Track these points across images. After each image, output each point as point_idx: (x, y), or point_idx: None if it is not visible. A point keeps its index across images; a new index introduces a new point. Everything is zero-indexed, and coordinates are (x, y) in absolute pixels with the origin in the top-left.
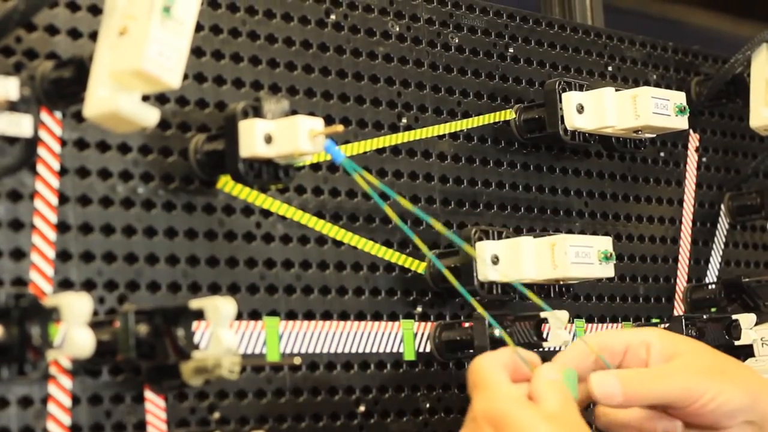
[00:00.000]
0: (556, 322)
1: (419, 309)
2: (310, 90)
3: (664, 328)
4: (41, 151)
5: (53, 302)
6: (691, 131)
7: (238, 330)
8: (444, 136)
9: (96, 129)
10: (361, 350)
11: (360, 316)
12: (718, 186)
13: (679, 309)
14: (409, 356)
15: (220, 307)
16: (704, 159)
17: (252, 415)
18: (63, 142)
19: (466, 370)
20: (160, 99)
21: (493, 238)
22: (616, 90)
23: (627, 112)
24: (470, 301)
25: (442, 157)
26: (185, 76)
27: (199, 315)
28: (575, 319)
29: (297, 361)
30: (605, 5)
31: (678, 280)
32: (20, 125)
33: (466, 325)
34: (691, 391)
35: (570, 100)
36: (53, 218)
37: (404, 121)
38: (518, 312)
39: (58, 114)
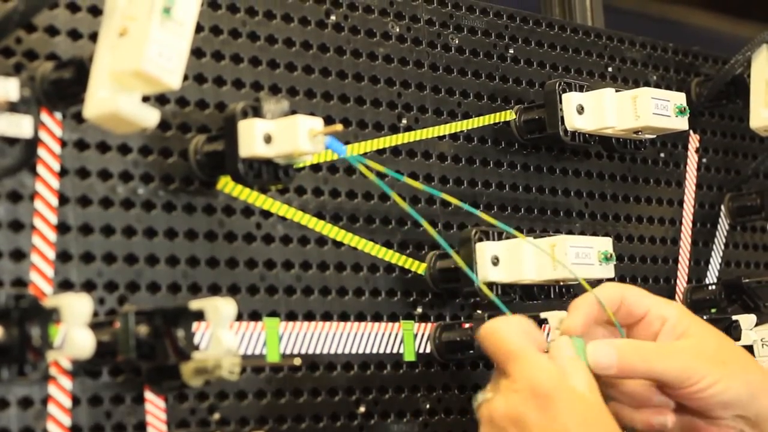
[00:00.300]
0: (556, 323)
1: (419, 310)
2: (311, 91)
3: None
4: (41, 151)
5: (53, 303)
6: (691, 132)
7: (238, 331)
8: (444, 136)
9: (96, 130)
10: (361, 351)
11: (360, 317)
12: (718, 187)
13: None
14: (409, 357)
15: (220, 308)
16: (704, 160)
17: (252, 416)
18: (63, 143)
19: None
20: (160, 100)
21: (493, 239)
22: (616, 91)
23: (627, 113)
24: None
25: (443, 158)
26: (185, 77)
27: (199, 316)
28: None
29: (297, 361)
30: (605, 6)
31: (678, 281)
32: (20, 126)
33: (466, 325)
34: (688, 374)
35: (570, 100)
36: (53, 219)
37: (404, 121)
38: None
39: (58, 115)
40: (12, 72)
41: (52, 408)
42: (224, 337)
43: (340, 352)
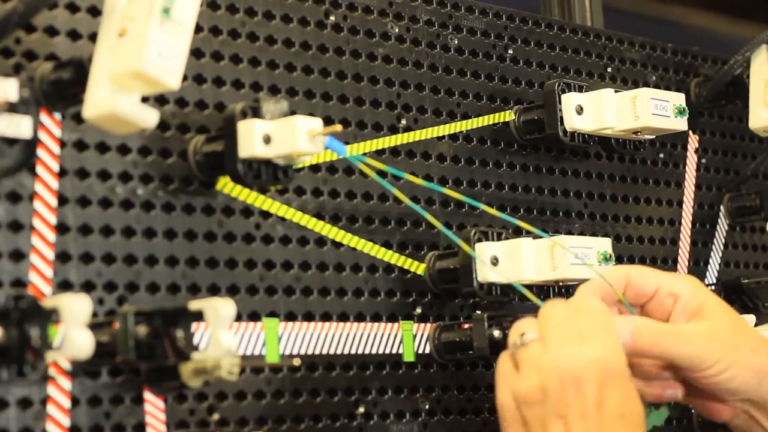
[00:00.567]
0: None
1: (418, 310)
2: (310, 91)
3: None
4: (40, 152)
5: (52, 303)
6: (690, 132)
7: (237, 331)
8: (443, 137)
9: (95, 130)
10: (360, 351)
11: (359, 317)
12: (717, 187)
13: None
14: (409, 357)
15: (220, 309)
16: (703, 160)
17: (251, 417)
18: (62, 144)
19: (465, 371)
20: (160, 100)
21: (493, 239)
22: (616, 91)
23: (626, 114)
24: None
25: (442, 159)
26: (184, 78)
27: (199, 316)
28: None
29: (296, 362)
30: (605, 6)
31: None
32: (19, 126)
33: (466, 326)
34: (700, 360)
35: (569, 101)
36: (52, 219)
37: (404, 122)
38: (518, 313)
39: (58, 115)
40: (11, 72)
41: (51, 408)
42: (223, 337)
43: (339, 352)
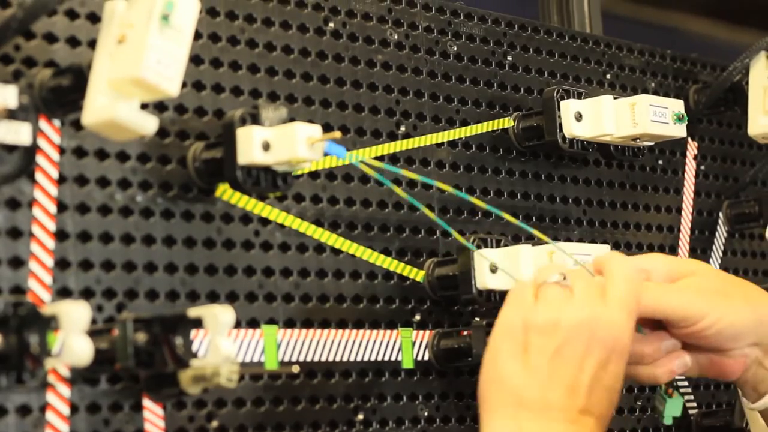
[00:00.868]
0: None
1: (417, 317)
2: (309, 98)
3: None
4: (40, 159)
5: (51, 310)
6: (689, 139)
7: (236, 338)
8: (442, 144)
9: (94, 137)
10: (359, 358)
11: (358, 325)
12: (716, 194)
13: None
14: (408, 364)
15: (219, 316)
16: (702, 167)
17: (250, 424)
18: (61, 150)
19: (464, 377)
20: (159, 107)
21: (492, 246)
22: (615, 98)
23: (625, 120)
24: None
25: (441, 165)
26: (184, 84)
27: (198, 323)
28: None
29: (295, 369)
30: (604, 13)
31: None
32: (19, 133)
33: (465, 333)
34: (692, 310)
35: (568, 107)
36: (52, 226)
37: (403, 129)
38: None
39: (57, 122)
40: (10, 79)
41: (50, 415)
42: (222, 344)
43: (338, 359)
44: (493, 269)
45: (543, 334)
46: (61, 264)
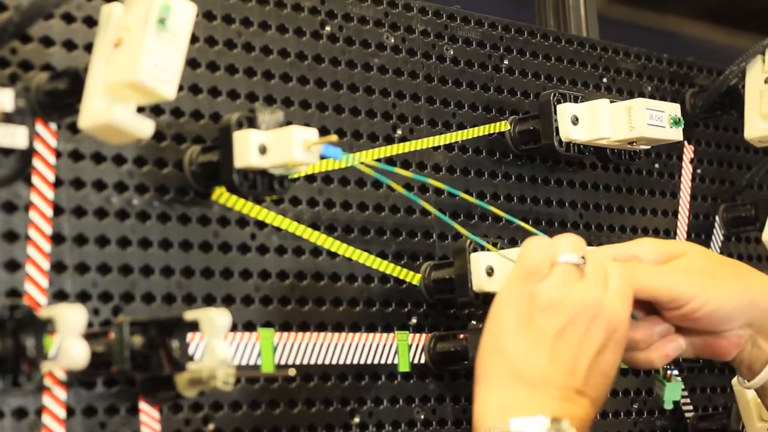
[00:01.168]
0: None
1: (414, 320)
2: (306, 101)
3: None
4: (36, 162)
5: (48, 314)
6: (685, 143)
7: (232, 341)
8: (439, 147)
9: (91, 140)
10: (355, 362)
11: (354, 328)
12: (712, 197)
13: None
14: (404, 368)
15: (215, 319)
16: (699, 170)
17: (247, 427)
18: (58, 154)
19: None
20: (155, 110)
21: (488, 250)
22: (611, 101)
23: (622, 124)
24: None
25: (437, 169)
26: (180, 88)
27: (194, 326)
28: None
29: (292, 372)
30: (600, 17)
31: None
32: (15, 137)
33: (461, 336)
34: (678, 292)
35: (565, 111)
36: (48, 229)
37: (399, 132)
38: None
39: (53, 125)
40: (7, 83)
41: (46, 419)
42: (219, 347)
43: (334, 362)
44: (490, 272)
45: (549, 312)
46: (58, 267)
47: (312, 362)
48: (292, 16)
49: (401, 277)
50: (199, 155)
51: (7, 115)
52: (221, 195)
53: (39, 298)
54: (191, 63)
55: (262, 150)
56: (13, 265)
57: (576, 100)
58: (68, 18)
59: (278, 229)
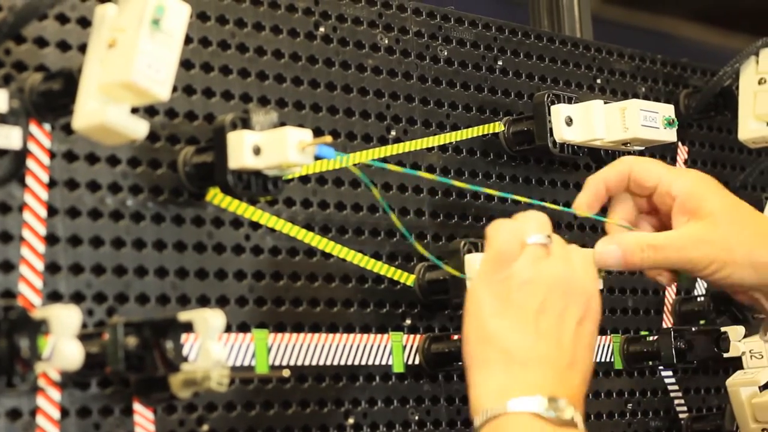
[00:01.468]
0: None
1: (408, 321)
2: (300, 102)
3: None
4: (30, 163)
5: (42, 314)
6: (679, 144)
7: (227, 342)
8: (433, 148)
9: (85, 141)
10: (350, 362)
11: (349, 329)
12: None
13: (667, 321)
14: (398, 369)
15: (209, 320)
16: None
17: (241, 428)
18: (52, 155)
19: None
20: (149, 111)
21: (482, 251)
22: (605, 103)
23: (616, 125)
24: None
25: (432, 170)
26: (174, 89)
27: (188, 327)
28: None
29: (286, 373)
30: (594, 18)
31: (667, 293)
32: (9, 137)
33: (455, 337)
34: (692, 264)
35: (559, 112)
36: (42, 230)
37: (393, 133)
38: None
39: (47, 126)
40: (1, 83)
41: (40, 419)
42: (213, 348)
43: (328, 363)
44: None
45: (525, 291)
46: (52, 268)
47: (306, 363)
48: (286, 17)
49: (395, 278)
50: (193, 156)
51: (1, 115)
52: (215, 196)
53: (33, 299)
54: (185, 64)
55: (257, 151)
56: (7, 266)
57: (570, 101)
58: (62, 19)
59: (272, 230)
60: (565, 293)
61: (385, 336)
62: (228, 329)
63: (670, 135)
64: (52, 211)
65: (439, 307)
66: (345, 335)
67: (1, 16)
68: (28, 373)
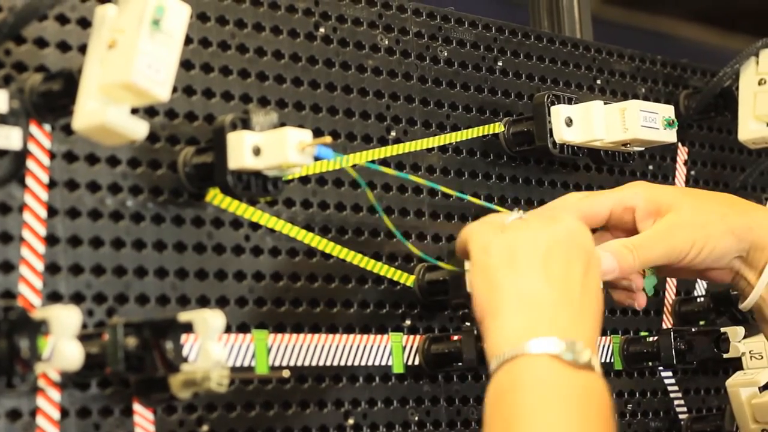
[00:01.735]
0: None
1: (408, 322)
2: (299, 103)
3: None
4: (30, 163)
5: (42, 315)
6: (679, 144)
7: (226, 343)
8: (433, 149)
9: (85, 142)
10: (350, 363)
11: (349, 329)
12: None
13: (667, 322)
14: (398, 369)
15: (209, 320)
16: (693, 172)
17: (241, 428)
18: (52, 155)
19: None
20: (149, 112)
21: None
22: (605, 103)
23: (615, 126)
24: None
25: (431, 170)
26: (174, 89)
27: (188, 328)
28: None
29: (286, 374)
30: (594, 18)
31: (666, 293)
32: (9, 138)
33: (455, 338)
34: (677, 251)
35: (559, 113)
36: (42, 231)
37: (393, 134)
38: None
39: (47, 127)
40: (1, 84)
41: (40, 420)
42: (213, 349)
43: (328, 364)
44: None
45: (528, 244)
46: (52, 268)
47: (306, 364)
48: (286, 18)
49: (395, 278)
50: (193, 157)
51: (1, 116)
52: (215, 196)
53: (33, 300)
54: (185, 64)
55: (256, 151)
56: (7, 267)
57: (570, 101)
58: (62, 19)
59: (272, 231)
60: (568, 246)
61: (385, 336)
62: (228, 330)
63: (670, 136)
64: (52, 211)
65: (438, 308)
66: (345, 336)
67: (1, 16)
68: (27, 373)
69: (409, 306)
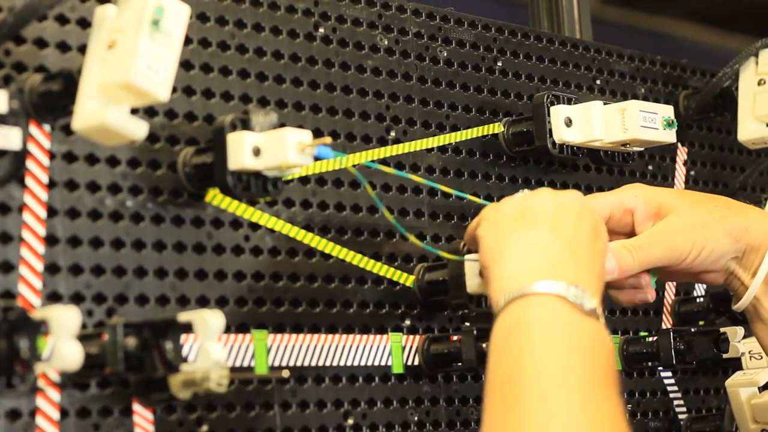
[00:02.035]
0: None
1: (407, 322)
2: (299, 103)
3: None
4: (30, 164)
5: (42, 315)
6: (679, 145)
7: (226, 343)
8: (432, 149)
9: (85, 142)
10: (349, 363)
11: (348, 329)
12: None
13: (667, 322)
14: (398, 369)
15: (209, 320)
16: (692, 172)
17: (240, 428)
18: (52, 155)
19: (454, 382)
20: (149, 112)
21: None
22: (605, 103)
23: (615, 126)
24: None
25: (431, 171)
26: (174, 89)
27: (188, 328)
28: None
29: (285, 374)
30: (593, 19)
31: (666, 293)
32: (9, 138)
33: (455, 338)
34: (677, 252)
35: (558, 113)
36: (42, 231)
37: (393, 134)
38: None
39: (47, 127)
40: (1, 84)
41: (40, 420)
42: (212, 349)
43: (328, 364)
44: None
45: (539, 205)
46: (51, 269)
47: (305, 364)
48: (285, 18)
49: (395, 278)
50: (192, 157)
51: (1, 116)
52: (215, 197)
53: (33, 300)
54: (185, 64)
55: (256, 152)
56: (7, 267)
57: (569, 101)
58: (62, 19)
59: (272, 231)
60: (578, 210)
61: (385, 337)
62: (227, 330)
63: (670, 136)
64: (51, 211)
65: (438, 308)
66: (344, 336)
67: (1, 16)
68: (27, 373)
69: (408, 306)
